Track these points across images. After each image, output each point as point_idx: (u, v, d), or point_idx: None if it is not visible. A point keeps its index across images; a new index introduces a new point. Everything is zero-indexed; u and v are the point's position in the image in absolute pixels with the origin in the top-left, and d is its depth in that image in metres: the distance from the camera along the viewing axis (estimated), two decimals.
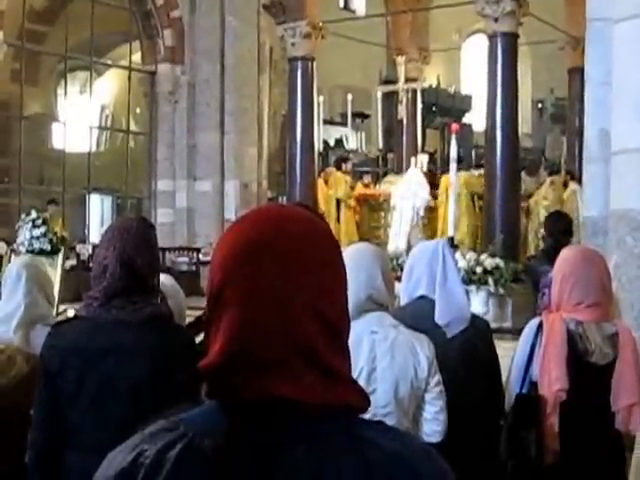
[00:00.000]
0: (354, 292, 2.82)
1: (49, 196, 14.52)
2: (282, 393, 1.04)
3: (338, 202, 13.58)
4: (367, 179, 14.48)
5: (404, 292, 3.39)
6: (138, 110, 17.78)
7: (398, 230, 12.42)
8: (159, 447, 1.06)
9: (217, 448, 1.03)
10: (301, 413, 1.05)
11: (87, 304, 2.57)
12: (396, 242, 12.08)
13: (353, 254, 2.96)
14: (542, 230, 10.72)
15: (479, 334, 3.37)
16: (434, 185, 12.83)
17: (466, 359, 3.23)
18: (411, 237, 11.82)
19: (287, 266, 1.08)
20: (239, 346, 1.06)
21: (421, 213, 12.38)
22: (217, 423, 1.06)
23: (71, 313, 3.94)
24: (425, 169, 13.16)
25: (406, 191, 12.49)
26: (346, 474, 1.03)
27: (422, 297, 3.30)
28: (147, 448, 1.07)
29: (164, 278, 3.54)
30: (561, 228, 5.95)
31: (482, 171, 11.90)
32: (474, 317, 3.38)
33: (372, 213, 13.58)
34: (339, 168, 13.99)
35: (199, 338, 3.39)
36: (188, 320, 3.50)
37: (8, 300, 3.46)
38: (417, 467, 1.06)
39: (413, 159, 13.26)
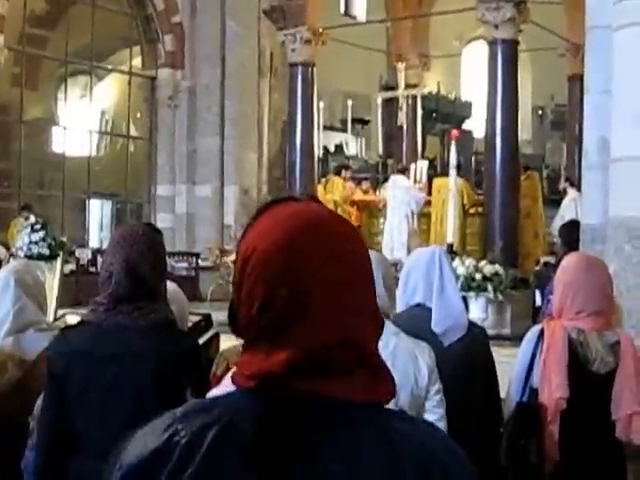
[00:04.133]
0: None
1: (49, 201, 14.46)
2: (332, 394, 1.05)
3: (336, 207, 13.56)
4: (366, 185, 14.48)
5: (400, 299, 3.36)
6: (138, 115, 17.78)
7: (393, 239, 12.26)
8: (195, 428, 1.05)
9: (254, 432, 1.04)
10: (339, 407, 1.06)
11: (93, 309, 2.58)
12: (392, 254, 11.88)
13: None
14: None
15: (476, 342, 3.35)
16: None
17: (463, 367, 3.22)
18: (411, 244, 11.74)
19: (348, 272, 1.08)
20: (304, 357, 1.06)
21: (416, 212, 12.23)
22: (251, 409, 1.06)
23: (70, 318, 3.92)
24: (425, 175, 13.12)
25: (392, 201, 12.39)
26: (377, 456, 1.05)
27: (418, 305, 3.29)
28: (182, 428, 1.06)
29: (167, 283, 3.53)
30: (577, 237, 5.95)
31: None
32: (471, 325, 3.37)
33: (371, 219, 13.57)
34: (338, 175, 14.00)
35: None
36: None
37: None
38: (445, 459, 1.08)
39: (413, 165, 13.25)
